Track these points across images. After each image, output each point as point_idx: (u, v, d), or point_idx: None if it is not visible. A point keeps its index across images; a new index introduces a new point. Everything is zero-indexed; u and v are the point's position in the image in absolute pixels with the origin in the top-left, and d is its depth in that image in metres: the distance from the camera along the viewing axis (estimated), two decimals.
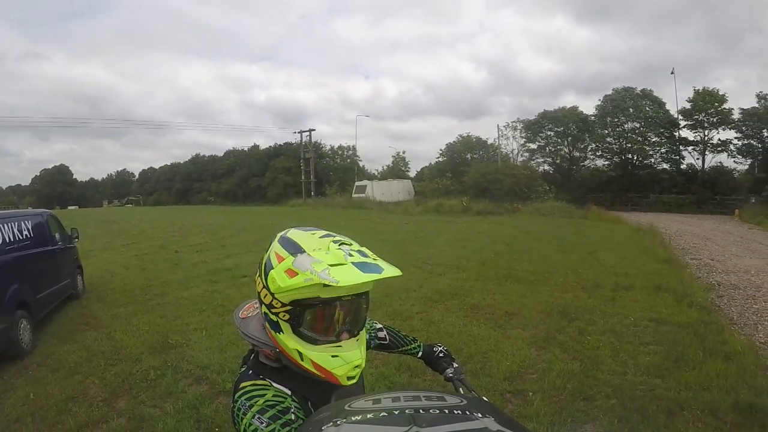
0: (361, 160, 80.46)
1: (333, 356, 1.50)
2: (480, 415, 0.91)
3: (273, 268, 1.50)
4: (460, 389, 2.28)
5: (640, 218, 32.76)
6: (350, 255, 1.45)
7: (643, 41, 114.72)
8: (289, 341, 1.51)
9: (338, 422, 0.89)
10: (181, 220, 35.51)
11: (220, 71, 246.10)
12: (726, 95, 49.67)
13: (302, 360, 1.50)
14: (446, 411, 0.92)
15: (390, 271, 1.43)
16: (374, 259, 1.48)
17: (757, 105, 47.92)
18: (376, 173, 77.57)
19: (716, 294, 11.42)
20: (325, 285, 1.37)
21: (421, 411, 0.91)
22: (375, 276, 1.39)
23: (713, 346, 7.34)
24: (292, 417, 1.42)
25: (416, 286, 11.43)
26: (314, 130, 73.55)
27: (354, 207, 47.74)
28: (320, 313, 1.49)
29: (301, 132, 70.93)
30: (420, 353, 2.49)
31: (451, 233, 24.03)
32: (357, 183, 59.23)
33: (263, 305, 1.56)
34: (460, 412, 0.91)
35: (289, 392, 1.52)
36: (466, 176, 51.29)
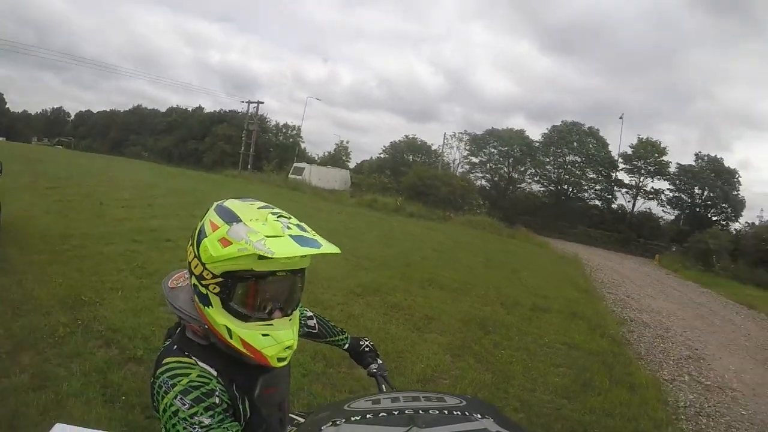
0: (303, 142, 79.86)
1: (264, 335, 1.45)
2: (479, 415, 0.93)
3: (206, 237, 1.46)
4: (383, 386, 2.30)
5: (566, 247, 33.76)
6: (288, 228, 1.42)
7: (599, 82, 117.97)
8: (218, 316, 1.45)
9: (338, 422, 0.90)
10: (111, 171, 34.32)
11: (177, 23, 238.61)
12: (667, 148, 52.97)
13: (231, 337, 1.44)
14: (446, 411, 0.94)
15: (328, 247, 1.41)
16: (313, 234, 1.45)
17: (693, 163, 52.13)
18: (316, 158, 76.99)
19: (627, 329, 11.91)
20: (260, 257, 1.34)
21: (420, 411, 0.93)
22: (312, 251, 1.36)
23: (620, 376, 7.71)
24: (217, 401, 1.38)
25: (340, 277, 11.38)
26: (263, 102, 72.45)
27: (289, 188, 47.22)
28: (252, 288, 1.45)
29: (249, 102, 69.38)
30: (346, 345, 2.47)
31: (381, 230, 24.10)
32: (296, 164, 58.63)
33: (193, 276, 1.51)
34: (459, 412, 0.93)
35: (215, 373, 1.47)
36: (404, 177, 51.52)
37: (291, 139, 77.68)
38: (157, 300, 7.74)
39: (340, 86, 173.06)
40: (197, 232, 1.51)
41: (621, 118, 55.70)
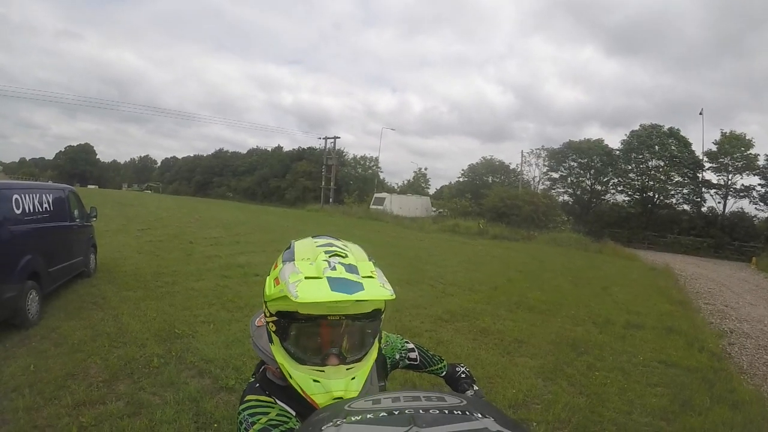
0: (382, 172, 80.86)
1: (314, 380, 1.36)
2: (480, 415, 0.89)
3: (269, 274, 1.43)
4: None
5: (656, 258, 32.57)
6: (333, 268, 1.31)
7: (672, 79, 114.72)
8: (277, 354, 1.41)
9: (338, 422, 0.87)
10: (198, 212, 35.68)
11: (249, 70, 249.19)
12: (752, 140, 49.58)
13: (290, 377, 1.39)
14: (446, 411, 0.90)
15: (372, 292, 1.29)
16: (366, 276, 1.33)
17: None
18: (395, 186, 77.77)
19: (728, 341, 11.26)
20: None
21: (421, 411, 0.89)
22: (342, 296, 1.24)
23: (721, 393, 7.27)
24: None
25: (427, 304, 11.38)
26: (339, 137, 73.56)
27: (370, 218, 47.80)
28: (303, 331, 1.37)
29: (325, 138, 70.93)
30: (443, 373, 2.38)
31: (465, 254, 23.97)
32: (376, 194, 59.42)
33: None
34: (460, 412, 0.89)
35: (293, 413, 1.44)
36: (485, 199, 51.18)
37: (369, 171, 78.79)
38: (247, 332, 7.88)
39: (411, 114, 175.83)
40: None
41: (701, 113, 52.97)
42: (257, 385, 1.53)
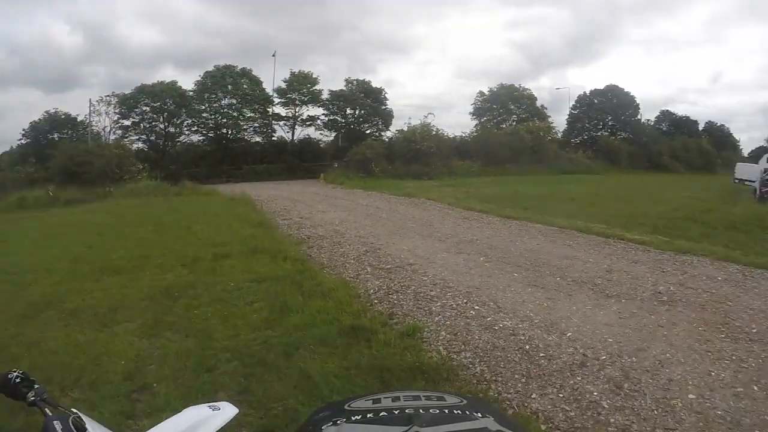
0: None
1: None
2: (479, 414, 0.93)
3: None
4: (47, 410, 1.96)
5: (235, 188, 33.82)
6: None
7: (249, 23, 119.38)
8: None
9: (338, 422, 0.89)
10: None
11: None
12: (318, 78, 58.99)
13: None
14: (446, 411, 0.93)
15: None
16: None
17: (344, 88, 59.04)
18: None
19: (307, 246, 12.63)
20: None
21: (420, 411, 0.92)
22: None
23: (311, 289, 8.30)
24: None
25: (3, 305, 9.61)
26: None
27: None
28: None
29: None
30: None
31: (36, 231, 21.14)
32: None
33: None
34: (459, 411, 0.93)
35: None
36: (51, 160, 46.77)
37: None
38: None
39: None
40: None
41: (274, 56, 59.42)
42: None
